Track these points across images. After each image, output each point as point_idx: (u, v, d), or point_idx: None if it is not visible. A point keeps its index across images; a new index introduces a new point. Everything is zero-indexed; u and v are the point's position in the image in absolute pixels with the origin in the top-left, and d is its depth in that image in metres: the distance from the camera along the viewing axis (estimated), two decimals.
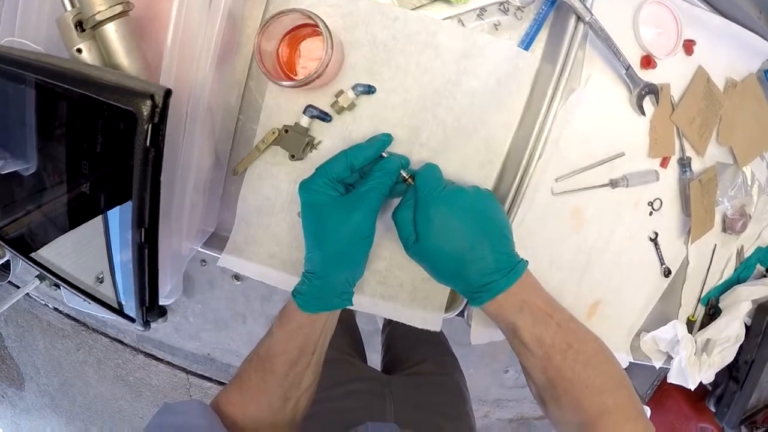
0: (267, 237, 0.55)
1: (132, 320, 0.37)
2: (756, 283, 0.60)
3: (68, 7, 0.37)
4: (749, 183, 0.56)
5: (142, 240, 0.33)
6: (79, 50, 0.38)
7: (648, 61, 0.50)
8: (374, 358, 0.94)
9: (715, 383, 0.66)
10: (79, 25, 0.37)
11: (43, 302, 1.71)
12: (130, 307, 0.39)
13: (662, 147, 0.53)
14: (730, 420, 0.63)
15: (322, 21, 0.42)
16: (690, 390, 0.67)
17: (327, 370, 0.73)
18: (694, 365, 0.58)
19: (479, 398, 1.78)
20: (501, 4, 0.49)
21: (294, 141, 0.50)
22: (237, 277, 1.56)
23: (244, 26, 0.49)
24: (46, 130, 0.39)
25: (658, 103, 0.51)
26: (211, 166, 0.52)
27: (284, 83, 0.43)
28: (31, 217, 0.46)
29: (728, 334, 0.58)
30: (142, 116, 0.31)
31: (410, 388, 0.71)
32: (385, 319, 1.11)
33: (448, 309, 0.57)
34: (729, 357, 0.59)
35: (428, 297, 0.57)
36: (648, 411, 1.07)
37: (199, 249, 0.54)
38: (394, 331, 1.00)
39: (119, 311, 0.39)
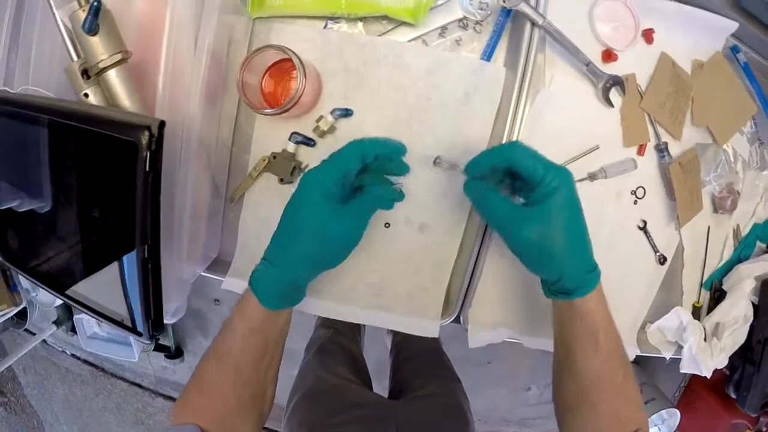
0: None
1: (139, 334, 0.41)
2: (758, 260, 0.58)
3: (74, 57, 0.43)
4: (732, 160, 0.56)
5: (146, 256, 0.37)
6: (86, 95, 0.44)
7: (609, 55, 0.52)
8: (387, 385, 0.94)
9: (732, 368, 0.63)
10: (85, 72, 0.43)
11: (60, 349, 1.75)
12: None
13: (635, 135, 0.54)
14: (751, 404, 0.60)
15: (294, 53, 0.46)
16: (720, 388, 0.64)
17: (328, 398, 0.74)
18: (705, 351, 0.57)
19: (504, 419, 1.72)
20: (460, 21, 0.53)
21: (282, 166, 0.54)
22: None
23: (231, 68, 0.54)
24: (58, 169, 0.44)
25: (624, 93, 0.53)
26: (209, 196, 0.56)
27: (266, 111, 0.47)
28: (54, 253, 0.50)
29: (736, 314, 0.56)
30: (141, 145, 0.35)
31: (413, 413, 0.70)
32: (391, 342, 1.11)
33: (442, 316, 0.58)
34: (740, 338, 0.57)
35: (424, 306, 0.59)
36: (678, 414, 1.02)
37: (203, 273, 0.57)
38: (399, 355, 0.99)
39: (126, 326, 0.42)
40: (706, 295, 0.61)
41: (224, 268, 0.58)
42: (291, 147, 0.54)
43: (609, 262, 0.58)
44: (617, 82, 0.52)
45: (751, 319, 0.57)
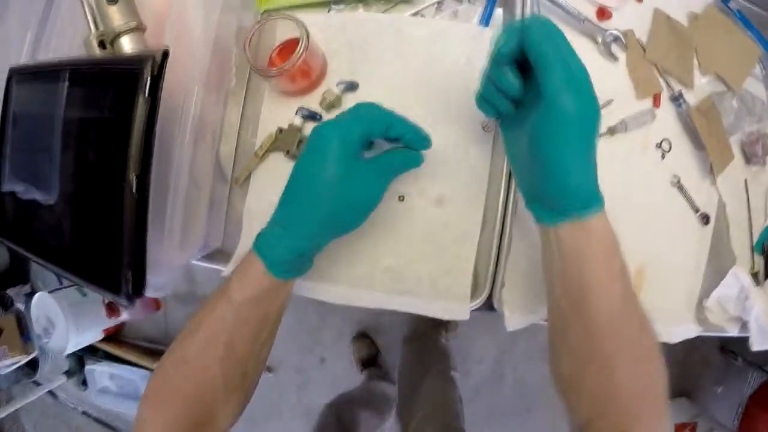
0: None
1: (117, 292, 0.36)
2: None
3: (93, 28, 0.45)
4: (751, 104, 0.54)
5: (134, 190, 0.34)
6: None
7: (603, 12, 0.53)
8: None
9: None
10: (101, 44, 0.45)
11: (72, 405, 1.62)
12: None
13: (647, 86, 0.53)
14: None
15: (298, 20, 0.48)
16: None
17: None
18: None
19: None
20: None
21: (287, 139, 0.53)
22: (268, 368, 1.49)
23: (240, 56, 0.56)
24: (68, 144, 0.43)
25: (626, 47, 0.53)
26: (213, 179, 0.54)
27: (271, 72, 0.48)
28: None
29: None
30: (144, 70, 0.35)
31: None
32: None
33: (471, 299, 0.52)
34: None
35: (450, 287, 0.53)
36: None
37: (203, 264, 0.54)
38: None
39: (103, 281, 0.37)
40: (760, 261, 0.55)
41: (227, 260, 0.54)
42: (298, 121, 0.54)
43: (648, 227, 0.53)
44: (617, 36, 0.53)
45: None
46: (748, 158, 0.54)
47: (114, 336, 1.38)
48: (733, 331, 0.53)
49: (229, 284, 0.38)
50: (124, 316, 1.34)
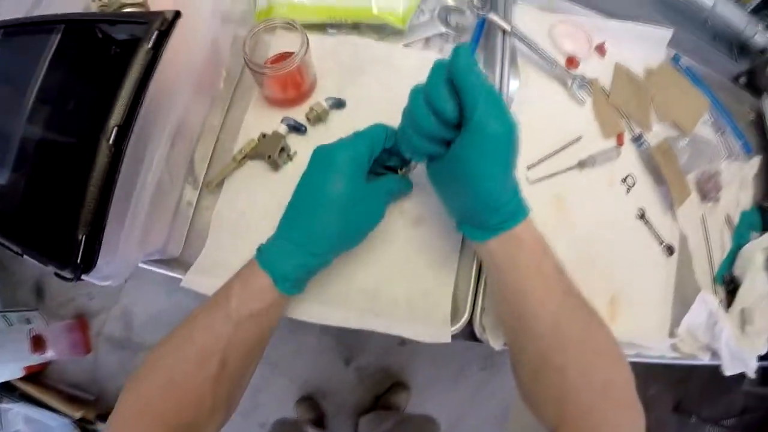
0: (237, 259, 0.50)
1: (65, 261, 0.32)
2: (759, 237, 0.57)
3: None
4: (702, 147, 0.59)
5: (110, 141, 0.31)
6: None
7: (571, 61, 0.59)
8: None
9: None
10: None
11: None
12: None
13: (611, 127, 0.58)
14: None
15: (299, 26, 0.49)
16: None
17: None
18: (743, 340, 0.50)
19: None
20: (441, 35, 0.60)
21: (270, 144, 0.52)
22: None
23: (234, 64, 0.57)
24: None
25: (592, 93, 0.59)
26: (183, 182, 0.52)
27: (264, 69, 0.48)
28: None
29: (759, 292, 0.52)
30: (152, 24, 0.34)
31: None
32: None
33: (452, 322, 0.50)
34: None
35: (429, 310, 0.51)
36: None
37: (153, 269, 0.50)
38: None
39: (50, 250, 0.33)
40: (721, 291, 0.57)
41: (182, 267, 0.50)
42: (282, 129, 0.53)
43: (618, 257, 0.55)
44: (584, 81, 0.58)
45: None
46: (703, 195, 0.58)
47: (36, 376, 1.21)
48: (705, 359, 0.54)
49: (228, 299, 0.37)
50: (50, 353, 1.18)
